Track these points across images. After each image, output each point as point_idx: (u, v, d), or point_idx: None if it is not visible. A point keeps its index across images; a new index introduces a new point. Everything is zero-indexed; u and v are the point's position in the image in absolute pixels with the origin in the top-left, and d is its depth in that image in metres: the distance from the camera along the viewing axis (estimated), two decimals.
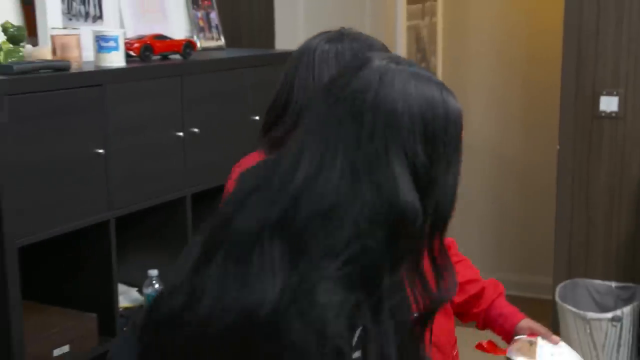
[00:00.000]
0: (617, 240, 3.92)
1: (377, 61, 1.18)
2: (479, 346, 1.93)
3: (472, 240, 4.89)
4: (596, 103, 3.85)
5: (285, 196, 1.11)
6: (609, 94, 3.81)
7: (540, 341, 1.84)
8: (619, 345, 3.63)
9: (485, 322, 1.96)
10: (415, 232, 1.13)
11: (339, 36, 1.76)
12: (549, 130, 4.52)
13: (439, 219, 1.16)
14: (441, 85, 1.17)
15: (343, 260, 1.08)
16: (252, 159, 1.74)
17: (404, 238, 1.13)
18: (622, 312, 3.65)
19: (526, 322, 1.90)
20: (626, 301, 3.77)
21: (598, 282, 3.91)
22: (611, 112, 3.82)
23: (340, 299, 1.07)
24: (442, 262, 1.20)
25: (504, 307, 1.94)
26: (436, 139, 1.13)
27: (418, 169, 1.11)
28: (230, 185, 1.71)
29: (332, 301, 1.06)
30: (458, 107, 1.17)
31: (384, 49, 1.74)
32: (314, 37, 1.78)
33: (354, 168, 1.10)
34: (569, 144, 3.94)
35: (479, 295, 1.95)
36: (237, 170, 1.79)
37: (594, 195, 3.94)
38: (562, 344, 1.87)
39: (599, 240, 3.96)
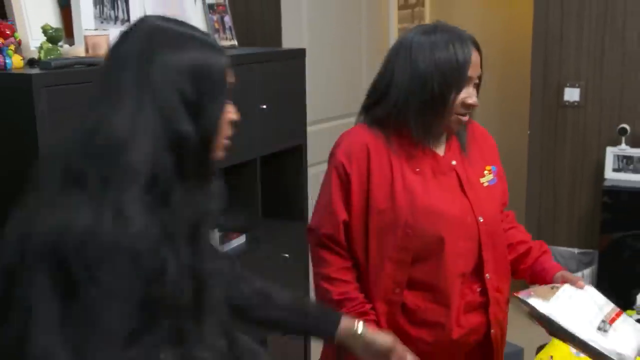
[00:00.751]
0: (579, 213, 3.90)
1: (150, 21, 1.22)
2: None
3: None
4: (561, 94, 3.82)
5: (84, 134, 1.14)
6: (572, 85, 3.78)
7: (565, 286, 1.76)
8: None
9: (532, 276, 1.93)
10: (192, 152, 1.18)
11: (433, 29, 1.74)
12: (520, 119, 4.49)
13: (207, 138, 1.20)
14: (205, 40, 1.22)
15: (145, 184, 1.10)
16: (355, 131, 1.81)
17: (187, 159, 1.17)
18: (583, 274, 3.63)
19: (561, 273, 1.86)
20: (586, 265, 3.76)
21: (562, 248, 3.90)
22: (574, 102, 3.79)
23: (145, 218, 1.09)
24: (206, 176, 1.23)
25: (546, 263, 1.91)
26: (201, 80, 1.18)
27: (190, 102, 1.16)
28: (339, 153, 1.77)
29: (139, 219, 1.08)
30: (220, 58, 1.22)
31: (472, 39, 1.73)
32: (410, 30, 1.77)
33: (140, 105, 1.13)
34: (537, 130, 3.92)
35: (526, 254, 1.93)
36: (344, 137, 1.82)
37: (559, 174, 3.92)
38: (588, 287, 1.78)
39: (563, 213, 3.94)
